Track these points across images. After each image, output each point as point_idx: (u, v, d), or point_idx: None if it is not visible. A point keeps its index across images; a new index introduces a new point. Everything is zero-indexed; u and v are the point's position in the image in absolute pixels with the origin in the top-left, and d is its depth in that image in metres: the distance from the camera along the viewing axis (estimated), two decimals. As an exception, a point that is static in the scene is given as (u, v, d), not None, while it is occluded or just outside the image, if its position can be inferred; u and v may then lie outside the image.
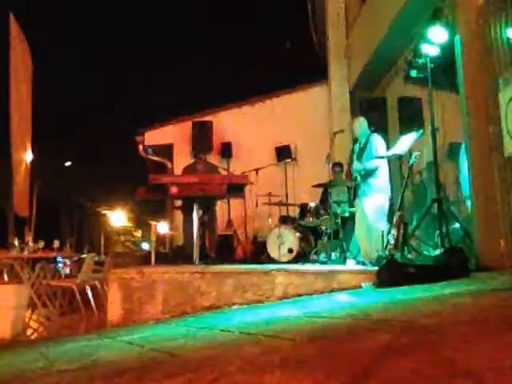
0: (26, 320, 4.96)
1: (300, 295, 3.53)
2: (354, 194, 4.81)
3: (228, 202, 7.36)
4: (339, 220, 5.42)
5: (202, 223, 5.43)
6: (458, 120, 4.48)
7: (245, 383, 1.24)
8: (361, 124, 4.93)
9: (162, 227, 10.49)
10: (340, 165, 6.12)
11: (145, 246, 25.69)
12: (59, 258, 9.44)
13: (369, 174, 4.66)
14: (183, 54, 25.08)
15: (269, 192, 6.53)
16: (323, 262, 5.01)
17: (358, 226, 4.81)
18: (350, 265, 4.60)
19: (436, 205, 4.15)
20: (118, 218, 27.90)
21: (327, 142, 5.97)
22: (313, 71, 10.40)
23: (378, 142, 4.75)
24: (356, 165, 4.79)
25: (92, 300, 5.48)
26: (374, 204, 4.61)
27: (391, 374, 1.12)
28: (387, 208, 4.70)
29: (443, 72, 4.68)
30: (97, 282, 5.76)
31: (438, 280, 3.07)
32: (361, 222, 4.76)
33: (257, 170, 6.97)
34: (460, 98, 4.19)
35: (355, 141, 4.97)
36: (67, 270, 9.28)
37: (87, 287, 5.54)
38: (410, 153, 4.56)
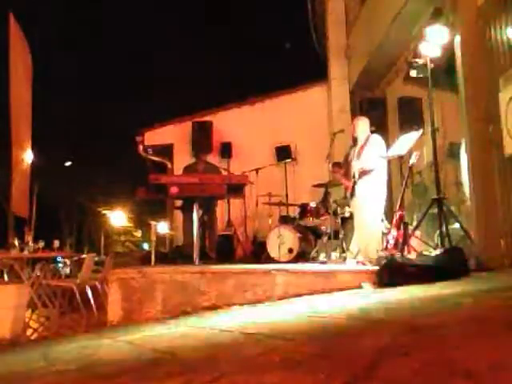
0: (26, 320, 4.96)
1: (300, 295, 3.52)
2: (351, 193, 4.79)
3: (228, 202, 7.36)
4: (339, 220, 5.42)
5: (202, 223, 5.43)
6: (457, 120, 4.48)
7: (245, 383, 1.24)
8: (363, 124, 4.91)
9: (162, 227, 10.48)
10: (339, 164, 6.10)
11: (145, 246, 25.72)
12: (59, 258, 9.45)
13: (367, 173, 4.66)
14: (183, 53, 25.09)
15: (269, 192, 6.53)
16: (323, 262, 5.00)
17: (357, 226, 4.81)
18: (350, 265, 4.59)
19: (436, 205, 4.15)
20: (118, 218, 27.88)
21: (327, 141, 5.96)
22: (313, 71, 10.42)
23: (377, 142, 4.74)
24: (355, 164, 4.79)
25: (92, 300, 5.47)
26: (370, 203, 4.60)
27: (391, 374, 1.12)
28: (384, 207, 4.69)
29: (443, 72, 4.68)
30: (97, 282, 5.75)
31: (438, 280, 3.07)
32: (359, 221, 4.76)
33: (257, 170, 6.97)
34: (460, 97, 4.19)
35: (355, 140, 4.95)
36: (67, 270, 9.28)
37: (87, 287, 5.54)
38: (410, 153, 4.56)
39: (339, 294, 3.38)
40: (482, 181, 3.82)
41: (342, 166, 5.41)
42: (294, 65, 17.32)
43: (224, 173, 7.09)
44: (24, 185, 7.53)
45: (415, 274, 3.25)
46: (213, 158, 7.73)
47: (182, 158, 7.94)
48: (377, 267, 3.66)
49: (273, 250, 5.60)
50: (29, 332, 4.80)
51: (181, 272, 3.81)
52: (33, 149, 8.05)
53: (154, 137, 8.88)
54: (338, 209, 5.42)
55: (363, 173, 4.65)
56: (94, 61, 24.97)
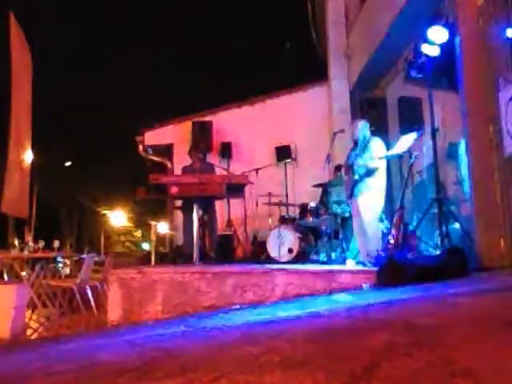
0: (26, 320, 4.96)
1: (300, 295, 3.53)
2: (350, 193, 4.77)
3: (228, 201, 7.36)
4: (339, 220, 5.42)
5: (201, 223, 5.43)
6: (458, 120, 4.48)
7: (245, 383, 1.24)
8: (361, 127, 4.86)
9: (162, 227, 10.50)
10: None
11: (145, 246, 25.73)
12: (59, 258, 9.44)
13: (368, 173, 4.65)
14: (183, 53, 25.10)
15: (269, 192, 6.53)
16: (323, 262, 5.00)
17: (356, 226, 4.80)
18: (350, 265, 4.60)
19: (436, 205, 4.15)
20: (118, 218, 27.90)
21: (327, 141, 5.97)
22: (313, 71, 10.41)
23: (377, 146, 4.72)
24: (358, 163, 4.76)
25: (92, 300, 5.48)
26: (369, 203, 4.59)
27: (391, 374, 1.12)
28: (382, 208, 4.69)
29: (443, 72, 4.68)
30: (97, 282, 5.76)
31: (438, 280, 3.08)
32: (358, 221, 4.76)
33: (257, 170, 6.97)
34: (460, 97, 4.19)
35: (355, 143, 4.94)
36: (67, 270, 9.29)
37: (87, 287, 5.54)
38: (409, 153, 4.55)
39: (339, 294, 3.39)
40: (481, 181, 3.81)
41: (343, 168, 5.41)
42: (293, 64, 17.33)
43: (222, 171, 7.09)
44: (24, 185, 7.52)
45: (415, 274, 3.25)
46: (213, 158, 7.73)
47: (182, 158, 7.92)
48: (377, 267, 3.66)
49: (273, 250, 5.60)
50: (29, 332, 4.80)
51: (181, 272, 3.81)
52: (33, 149, 8.06)
53: (154, 137, 8.88)
54: (338, 209, 5.42)
55: (366, 173, 4.62)
56: (94, 61, 24.99)
